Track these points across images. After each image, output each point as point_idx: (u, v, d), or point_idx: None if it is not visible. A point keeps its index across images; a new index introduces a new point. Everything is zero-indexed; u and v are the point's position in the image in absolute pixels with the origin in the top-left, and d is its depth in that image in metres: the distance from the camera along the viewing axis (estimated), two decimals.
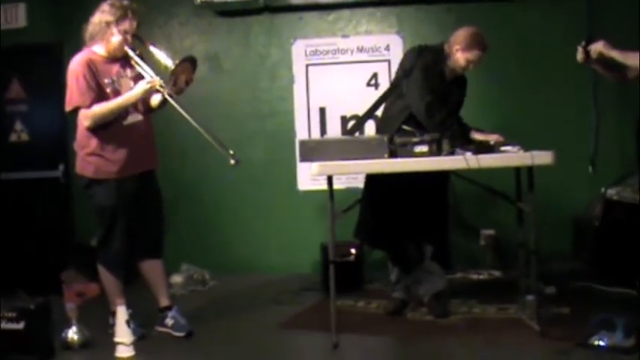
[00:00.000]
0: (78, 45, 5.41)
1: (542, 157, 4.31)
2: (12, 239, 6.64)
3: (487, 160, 4.32)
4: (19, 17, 6.93)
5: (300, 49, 6.97)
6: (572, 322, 4.59)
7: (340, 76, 6.91)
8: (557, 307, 4.98)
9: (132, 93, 4.56)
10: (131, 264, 4.89)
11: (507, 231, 6.00)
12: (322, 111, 6.95)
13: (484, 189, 5.14)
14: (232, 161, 4.48)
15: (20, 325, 4.27)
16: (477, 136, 4.87)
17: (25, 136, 6.95)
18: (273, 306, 5.64)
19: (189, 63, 4.57)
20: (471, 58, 4.81)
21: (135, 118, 4.70)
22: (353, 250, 5.95)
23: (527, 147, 4.44)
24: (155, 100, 4.73)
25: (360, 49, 6.90)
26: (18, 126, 6.93)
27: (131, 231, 4.75)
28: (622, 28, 6.01)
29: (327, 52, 6.94)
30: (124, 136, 4.64)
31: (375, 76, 6.81)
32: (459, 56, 4.81)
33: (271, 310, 5.50)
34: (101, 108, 4.53)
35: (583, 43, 4.16)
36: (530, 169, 4.43)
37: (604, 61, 4.18)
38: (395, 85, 5.00)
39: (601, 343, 4.05)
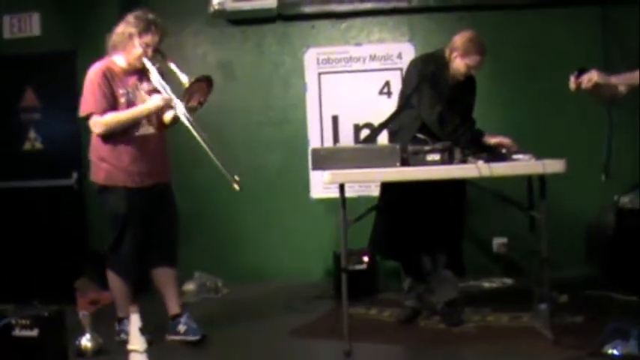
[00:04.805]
0: (91, 54, 5.46)
1: (554, 165, 4.31)
2: (25, 247, 6.68)
3: (499, 169, 4.32)
4: (33, 26, 6.96)
5: (312, 58, 6.98)
6: (585, 331, 4.57)
7: (353, 84, 6.91)
8: (571, 316, 4.97)
9: (144, 106, 4.62)
10: (142, 273, 4.91)
11: (520, 239, 5.98)
12: (335, 119, 6.95)
13: (496, 197, 5.14)
14: (236, 186, 4.48)
15: (34, 333, 4.27)
16: (491, 140, 4.88)
17: (38, 145, 6.96)
18: (285, 313, 5.66)
19: (204, 83, 4.59)
20: (471, 64, 4.84)
21: (147, 130, 4.74)
22: (365, 258, 5.95)
23: (539, 155, 4.43)
24: (167, 116, 4.76)
25: (373, 58, 6.90)
26: (32, 134, 6.95)
27: (143, 240, 4.77)
28: (636, 36, 6.00)
29: (340, 60, 6.95)
30: (135, 147, 4.67)
31: (387, 84, 6.81)
32: (459, 62, 4.85)
33: (284, 318, 5.51)
34: (113, 117, 4.58)
35: (575, 73, 4.14)
36: (542, 177, 4.43)
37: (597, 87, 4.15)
38: (404, 97, 5.02)
39: (615, 352, 4.03)
